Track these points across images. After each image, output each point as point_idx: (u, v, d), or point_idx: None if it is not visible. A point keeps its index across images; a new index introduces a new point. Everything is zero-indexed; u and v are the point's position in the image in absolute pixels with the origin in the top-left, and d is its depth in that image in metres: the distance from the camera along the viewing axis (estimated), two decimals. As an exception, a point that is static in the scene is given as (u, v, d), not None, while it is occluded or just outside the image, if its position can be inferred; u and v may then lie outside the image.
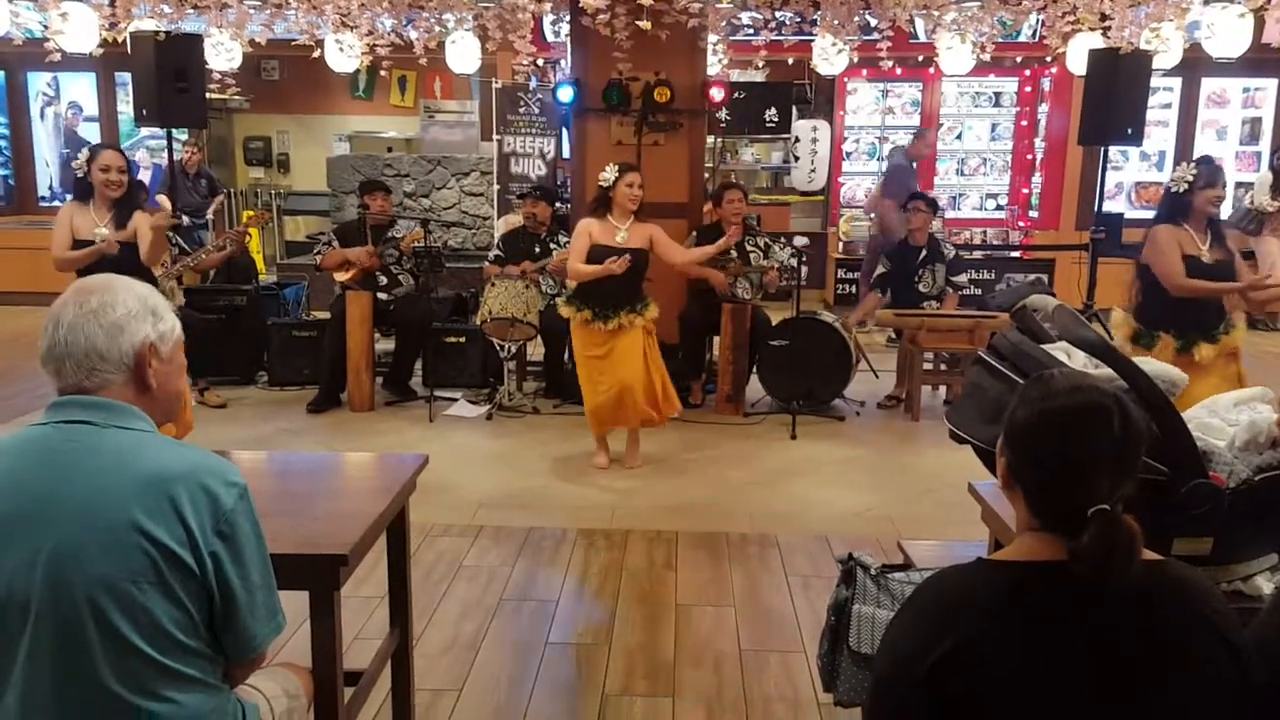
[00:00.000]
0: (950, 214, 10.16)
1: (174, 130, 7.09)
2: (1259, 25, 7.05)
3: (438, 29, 7.30)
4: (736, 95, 8.56)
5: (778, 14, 7.13)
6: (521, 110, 8.61)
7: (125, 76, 9.54)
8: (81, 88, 11.34)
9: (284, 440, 5.80)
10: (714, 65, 7.46)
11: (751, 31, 8.01)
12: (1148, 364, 2.02)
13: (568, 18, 7.04)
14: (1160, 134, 10.31)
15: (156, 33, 6.44)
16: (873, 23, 7.21)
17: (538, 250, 6.67)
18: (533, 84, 8.67)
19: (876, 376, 6.89)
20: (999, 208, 10.60)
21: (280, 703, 1.93)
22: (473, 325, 6.73)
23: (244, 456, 2.97)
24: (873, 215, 9.07)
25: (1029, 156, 10.41)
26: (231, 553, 1.63)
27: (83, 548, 1.53)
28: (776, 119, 9.06)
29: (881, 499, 4.97)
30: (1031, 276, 9.12)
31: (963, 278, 6.79)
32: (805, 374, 6.30)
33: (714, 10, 6.80)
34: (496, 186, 8.76)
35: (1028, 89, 10.31)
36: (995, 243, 10.25)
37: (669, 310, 5.83)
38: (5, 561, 1.55)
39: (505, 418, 6.29)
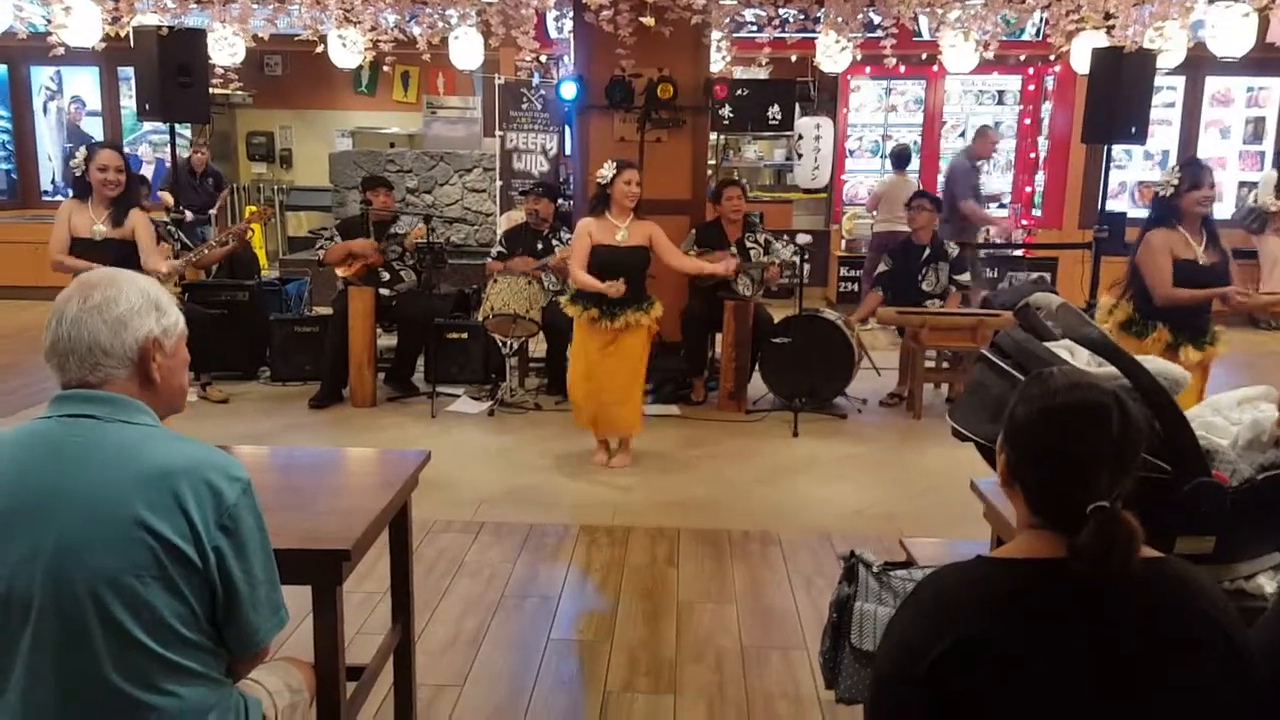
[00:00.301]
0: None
1: (180, 127, 7.09)
2: (1263, 24, 7.05)
3: (441, 25, 7.31)
4: (739, 92, 8.55)
5: (781, 11, 7.13)
6: (524, 106, 8.61)
7: (128, 71, 9.54)
8: (84, 82, 11.35)
9: (286, 435, 5.80)
10: (717, 62, 7.46)
11: (755, 28, 8.00)
12: (1150, 362, 2.02)
13: (571, 14, 7.04)
14: (1164, 133, 10.29)
15: (159, 27, 6.44)
16: (876, 20, 7.21)
17: (540, 247, 6.67)
18: (535, 80, 8.67)
19: (879, 374, 6.89)
20: (1002, 206, 10.58)
21: (283, 697, 1.93)
22: (475, 321, 6.72)
23: (246, 451, 2.97)
24: (874, 213, 9.08)
25: (1032, 155, 10.40)
26: (234, 547, 1.63)
27: (86, 542, 1.54)
28: (779, 116, 9.02)
29: (883, 496, 4.97)
30: (1034, 275, 9.10)
31: (966, 276, 6.78)
32: (807, 371, 6.30)
33: (717, 7, 6.79)
34: (499, 183, 8.75)
35: (1031, 87, 10.29)
36: (998, 241, 10.24)
37: (671, 307, 5.83)
38: (8, 556, 1.55)
39: (507, 414, 6.29)
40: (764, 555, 4.24)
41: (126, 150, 10.73)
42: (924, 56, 8.86)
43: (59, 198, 10.72)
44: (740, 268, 6.37)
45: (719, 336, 6.52)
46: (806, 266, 6.44)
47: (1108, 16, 6.63)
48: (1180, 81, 10.13)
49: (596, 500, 4.85)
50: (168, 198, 8.95)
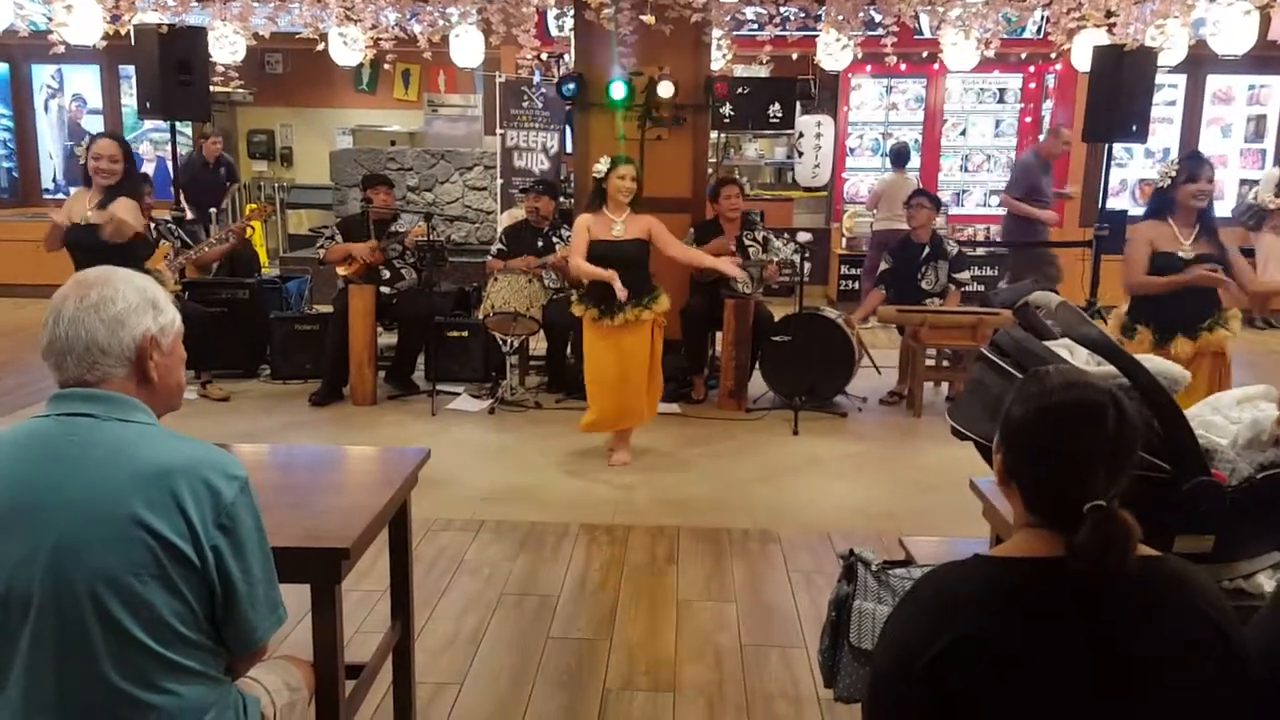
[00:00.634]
0: (953, 210, 10.15)
1: (181, 125, 7.10)
2: (1264, 22, 7.04)
3: (441, 23, 7.30)
4: (740, 90, 8.54)
5: (782, 9, 7.13)
6: (525, 104, 8.60)
7: (129, 69, 9.52)
8: (85, 80, 11.35)
9: (286, 434, 5.80)
10: (718, 60, 7.45)
11: (756, 26, 8.01)
12: (1149, 361, 2.02)
13: (571, 12, 7.04)
14: (1165, 131, 10.29)
15: (160, 25, 6.45)
16: (877, 18, 7.21)
17: (540, 245, 6.67)
18: (536, 78, 8.66)
19: (879, 373, 6.89)
20: (1002, 205, 10.57)
21: (281, 695, 1.93)
22: (475, 320, 6.73)
23: (246, 449, 2.98)
24: (874, 212, 9.07)
25: (1033, 153, 10.38)
26: (233, 545, 1.63)
27: (84, 541, 1.54)
28: (780, 114, 9.02)
29: (883, 495, 4.97)
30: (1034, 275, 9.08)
31: (965, 275, 6.78)
32: (808, 370, 6.30)
33: (718, 5, 6.79)
34: (500, 181, 8.74)
35: (1032, 85, 10.29)
36: (998, 239, 10.23)
37: (671, 305, 5.81)
38: (7, 555, 1.55)
39: (507, 412, 6.29)
40: (763, 554, 4.24)
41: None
42: (925, 54, 8.86)
43: (60, 195, 10.73)
44: (739, 266, 6.37)
45: (719, 335, 6.52)
46: (807, 265, 6.43)
47: (1109, 14, 6.63)
48: (1181, 79, 10.13)
49: (596, 499, 4.85)
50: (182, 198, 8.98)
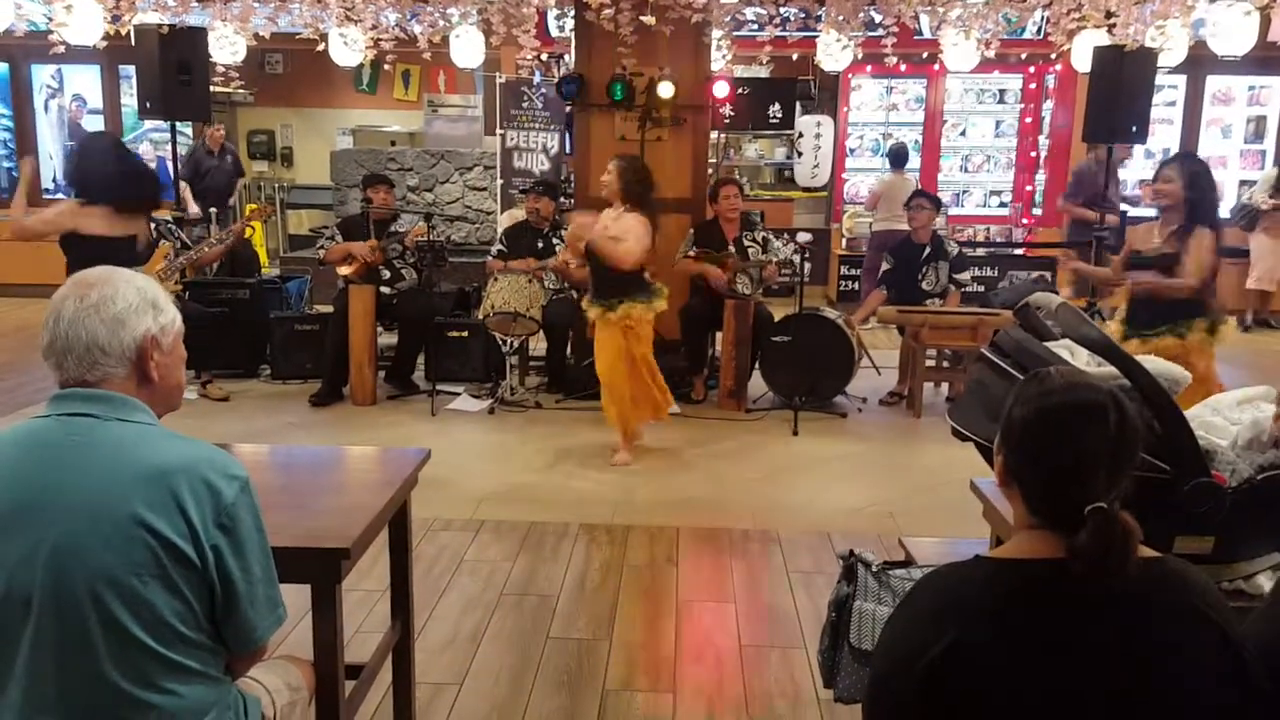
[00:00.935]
0: (953, 211, 10.14)
1: (181, 125, 7.11)
2: (1264, 23, 7.04)
3: (442, 23, 7.30)
4: (740, 91, 8.55)
5: (782, 9, 7.13)
6: (525, 105, 8.60)
7: (129, 69, 9.52)
8: (85, 80, 11.34)
9: (286, 434, 5.80)
10: (718, 61, 7.45)
11: (756, 27, 8.01)
12: (1150, 362, 2.02)
13: (572, 12, 7.04)
14: (1165, 132, 10.28)
15: (161, 25, 6.45)
16: (877, 19, 7.20)
17: (540, 245, 6.67)
18: (536, 78, 8.67)
19: (879, 373, 6.89)
20: (1002, 205, 10.58)
21: (282, 695, 1.93)
22: (475, 320, 6.73)
23: (246, 449, 2.98)
24: (874, 212, 9.07)
25: (1033, 153, 10.39)
26: (233, 545, 1.63)
27: (85, 541, 1.54)
28: (780, 115, 9.06)
29: (883, 495, 4.97)
30: (1034, 274, 9.09)
31: (966, 275, 6.77)
32: (807, 370, 6.30)
33: (718, 5, 6.79)
34: (500, 181, 8.74)
35: (1032, 86, 10.29)
36: (998, 240, 10.24)
37: (671, 305, 5.83)
38: (7, 555, 1.55)
39: (507, 412, 6.29)
40: (763, 554, 4.24)
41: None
42: (925, 55, 8.86)
43: (60, 195, 10.72)
44: (738, 266, 6.38)
45: (719, 335, 6.52)
46: (807, 265, 6.43)
47: (1109, 15, 6.63)
48: (1181, 80, 10.12)
49: (596, 499, 4.85)
50: (186, 191, 8.99)
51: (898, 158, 9.03)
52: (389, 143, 11.28)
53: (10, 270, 9.91)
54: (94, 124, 11.23)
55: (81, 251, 5.29)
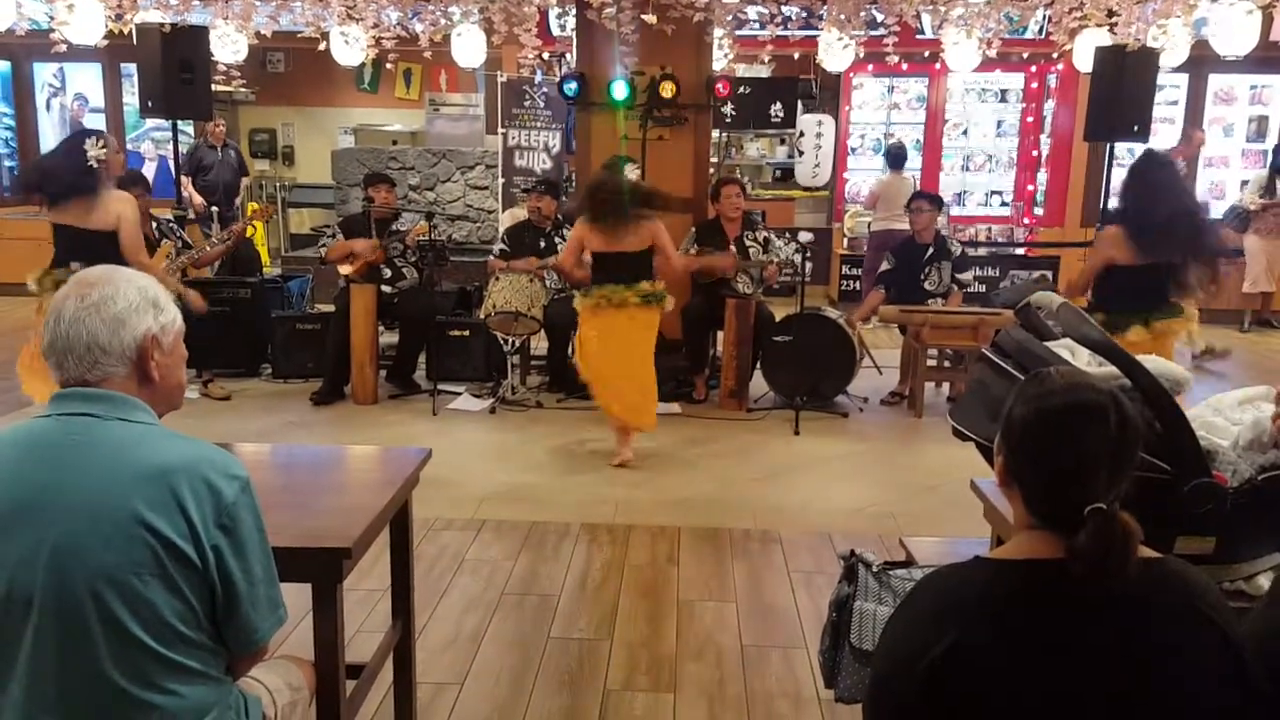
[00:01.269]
0: (955, 210, 10.14)
1: (182, 124, 7.11)
2: (1266, 22, 7.03)
3: (443, 22, 7.31)
4: (742, 90, 8.54)
5: (784, 9, 7.13)
6: (526, 104, 8.61)
7: (131, 68, 9.54)
8: (87, 79, 11.35)
9: (287, 433, 5.80)
10: (720, 60, 7.45)
11: (757, 26, 8.00)
12: (1151, 362, 2.02)
13: (573, 11, 7.04)
14: (1166, 131, 10.27)
15: (162, 24, 6.45)
16: (879, 18, 7.20)
17: (542, 245, 6.67)
18: (538, 77, 8.67)
19: (880, 373, 6.89)
20: (1004, 204, 10.58)
21: (283, 695, 1.93)
22: (477, 319, 6.73)
23: (247, 449, 2.98)
24: (873, 211, 9.07)
25: (1034, 153, 10.39)
26: (233, 545, 1.63)
27: (85, 540, 1.54)
28: (782, 114, 9.04)
29: (884, 495, 4.97)
30: (1036, 274, 9.09)
31: (968, 275, 6.77)
32: (809, 370, 6.30)
33: (720, 5, 6.79)
34: (501, 180, 8.76)
35: (1034, 85, 10.29)
36: (1000, 240, 10.24)
37: (672, 305, 5.83)
38: (8, 554, 1.55)
39: (509, 412, 6.30)
40: (764, 554, 4.24)
41: (129, 147, 10.81)
42: (926, 54, 8.86)
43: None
44: (739, 266, 6.38)
45: (720, 334, 6.52)
46: (808, 265, 6.43)
47: (1111, 14, 6.63)
48: (1183, 79, 10.11)
49: (597, 498, 4.85)
50: (196, 195, 8.99)
51: (896, 158, 9.04)
52: (390, 141, 11.28)
53: (10, 270, 9.90)
54: (95, 122, 11.23)
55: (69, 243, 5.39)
